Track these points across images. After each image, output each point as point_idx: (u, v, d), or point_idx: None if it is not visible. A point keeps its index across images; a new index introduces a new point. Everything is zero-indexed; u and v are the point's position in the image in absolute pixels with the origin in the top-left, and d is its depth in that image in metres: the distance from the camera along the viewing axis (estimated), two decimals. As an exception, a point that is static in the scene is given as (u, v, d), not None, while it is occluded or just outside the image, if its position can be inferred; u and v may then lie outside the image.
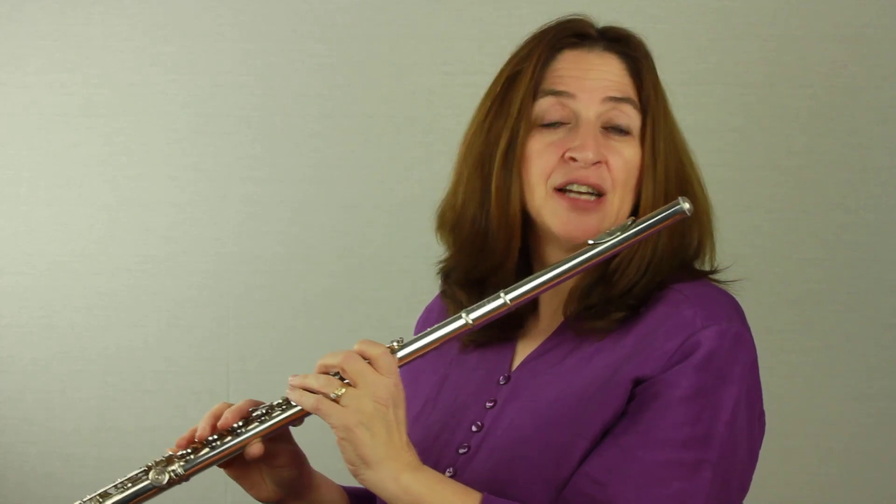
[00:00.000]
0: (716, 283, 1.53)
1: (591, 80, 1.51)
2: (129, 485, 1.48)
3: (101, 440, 2.93)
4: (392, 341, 1.43)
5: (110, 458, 2.92)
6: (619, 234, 1.44)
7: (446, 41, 2.84)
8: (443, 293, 1.64)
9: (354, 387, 1.38)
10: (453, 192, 1.59)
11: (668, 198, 1.49)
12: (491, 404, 1.55)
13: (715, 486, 1.40)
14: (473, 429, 1.54)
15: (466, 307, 1.48)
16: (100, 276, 2.94)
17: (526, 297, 1.44)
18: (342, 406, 1.37)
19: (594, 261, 1.44)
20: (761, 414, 1.50)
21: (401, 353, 1.43)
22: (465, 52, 2.82)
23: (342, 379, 1.39)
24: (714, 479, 1.40)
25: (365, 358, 1.39)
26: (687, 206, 1.42)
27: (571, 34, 1.54)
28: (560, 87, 1.51)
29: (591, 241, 1.45)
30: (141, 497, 1.48)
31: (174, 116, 2.92)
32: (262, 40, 2.90)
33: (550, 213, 1.51)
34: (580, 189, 1.50)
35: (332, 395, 1.37)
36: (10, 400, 2.97)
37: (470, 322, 1.43)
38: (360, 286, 2.87)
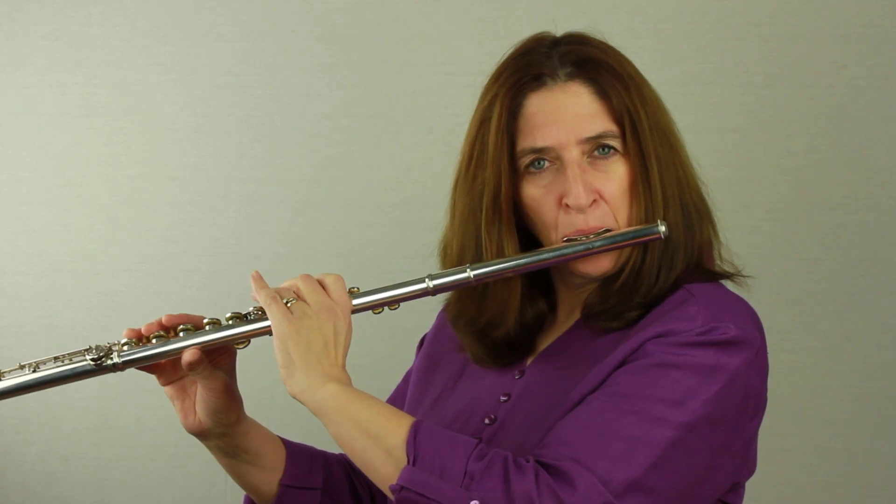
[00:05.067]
0: (733, 284, 1.56)
1: (563, 122, 1.51)
2: (67, 361, 1.52)
3: (101, 440, 2.93)
4: (351, 287, 1.52)
5: (110, 458, 2.92)
6: (592, 239, 1.50)
7: (446, 41, 2.84)
8: (449, 317, 1.66)
9: (305, 302, 1.46)
10: (450, 232, 1.61)
11: (666, 200, 1.52)
12: (505, 398, 1.57)
13: (672, 450, 1.38)
14: (486, 421, 1.56)
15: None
16: (100, 276, 2.94)
17: (489, 276, 1.52)
18: (289, 311, 1.45)
19: (560, 259, 1.51)
20: (754, 416, 1.49)
21: (356, 301, 1.51)
22: (465, 52, 2.82)
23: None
24: (673, 442, 1.38)
25: (321, 284, 1.49)
26: (662, 229, 1.48)
27: (530, 77, 1.54)
28: (539, 144, 1.51)
29: (565, 240, 1.50)
30: (73, 377, 1.53)
31: (174, 116, 2.92)
32: (262, 40, 2.90)
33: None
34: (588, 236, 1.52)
35: (284, 300, 1.46)
36: (10, 400, 2.96)
37: (430, 287, 1.51)
38: (360, 286, 2.86)
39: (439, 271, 1.54)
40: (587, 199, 1.50)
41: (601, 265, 1.52)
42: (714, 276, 1.55)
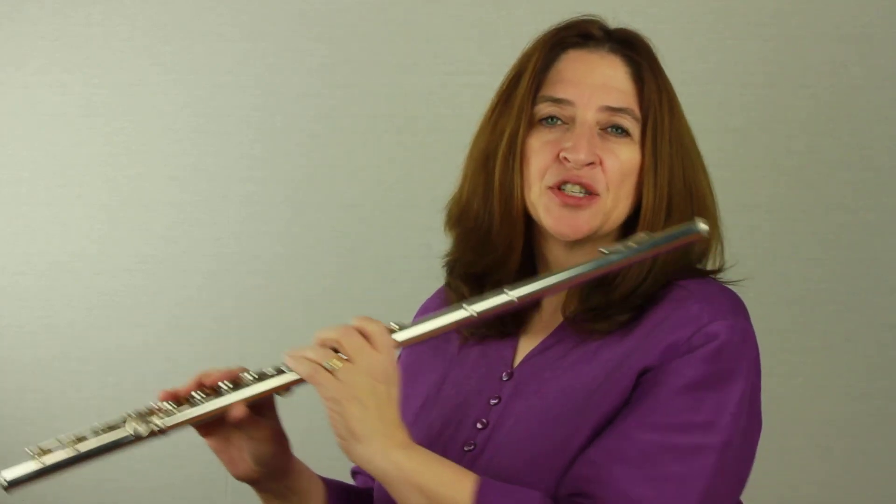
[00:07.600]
0: (720, 282, 1.54)
1: (591, 85, 1.51)
2: (106, 431, 1.46)
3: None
4: (391, 322, 1.44)
5: (110, 459, 2.91)
6: (631, 246, 1.43)
7: (446, 41, 2.84)
8: (447, 285, 1.64)
9: (350, 361, 1.39)
10: (459, 188, 1.60)
11: (672, 202, 1.51)
12: (495, 401, 1.55)
13: (716, 474, 1.40)
14: (478, 426, 1.54)
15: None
16: (100, 276, 2.94)
17: (530, 296, 1.44)
18: (336, 378, 1.38)
19: (602, 270, 1.45)
20: (760, 412, 1.50)
21: (399, 337, 1.43)
22: (465, 52, 2.82)
23: (338, 353, 1.40)
24: (716, 466, 1.40)
25: (362, 334, 1.40)
26: (703, 227, 1.42)
27: (576, 33, 1.55)
28: (559, 95, 1.52)
29: (602, 250, 1.45)
30: (116, 446, 1.46)
31: (174, 116, 2.92)
32: (262, 40, 2.90)
33: (544, 209, 1.52)
34: (573, 189, 1.51)
35: (328, 366, 1.38)
36: (10, 400, 2.97)
37: (475, 314, 1.43)
38: (360, 286, 2.87)
39: (476, 297, 1.47)
40: (587, 157, 1.49)
41: (577, 223, 1.50)
42: (701, 273, 1.55)
